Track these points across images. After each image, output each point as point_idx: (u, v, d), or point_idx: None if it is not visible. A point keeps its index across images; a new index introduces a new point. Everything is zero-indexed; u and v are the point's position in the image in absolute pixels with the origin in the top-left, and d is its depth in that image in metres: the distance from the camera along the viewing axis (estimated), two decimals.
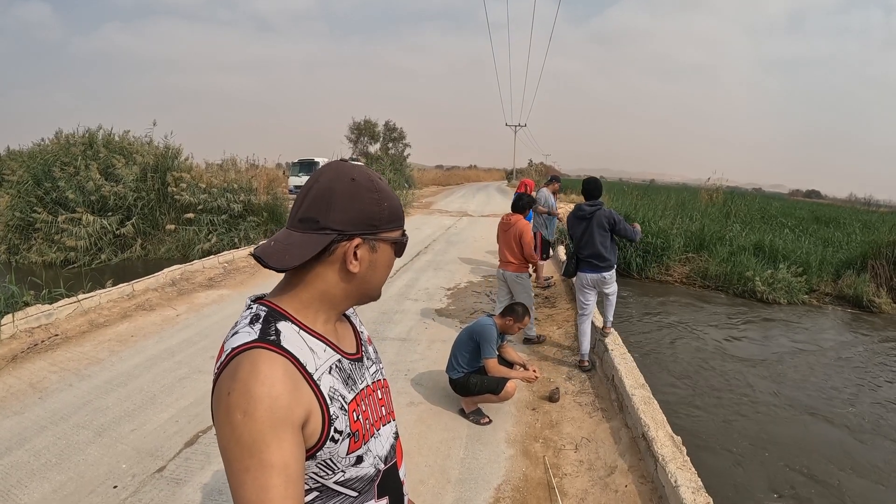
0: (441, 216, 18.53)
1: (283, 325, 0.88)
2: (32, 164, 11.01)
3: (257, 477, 0.76)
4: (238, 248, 10.43)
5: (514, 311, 3.78)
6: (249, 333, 0.85)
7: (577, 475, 3.20)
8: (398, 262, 9.30)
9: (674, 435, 3.26)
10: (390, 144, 40.69)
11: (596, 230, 4.58)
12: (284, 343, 0.85)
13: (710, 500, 2.68)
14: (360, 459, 0.93)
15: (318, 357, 0.89)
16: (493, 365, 3.63)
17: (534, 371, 3.78)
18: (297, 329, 0.89)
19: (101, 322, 5.36)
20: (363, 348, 1.05)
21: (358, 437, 0.91)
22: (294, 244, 0.88)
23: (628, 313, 7.98)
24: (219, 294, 6.83)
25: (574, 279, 4.92)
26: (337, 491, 0.92)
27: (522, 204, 5.26)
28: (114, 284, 6.35)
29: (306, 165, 22.78)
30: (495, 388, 3.58)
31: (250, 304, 0.93)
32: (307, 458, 0.86)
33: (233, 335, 0.87)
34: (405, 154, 40.20)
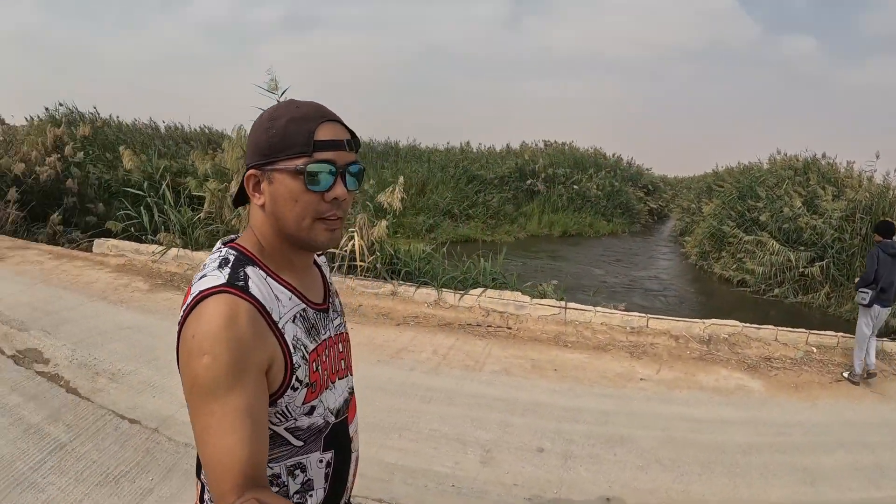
0: None
1: (251, 271, 0.88)
2: (741, 180, 10.83)
3: (223, 420, 0.76)
4: None
5: None
6: (218, 277, 0.85)
7: None
8: None
9: None
10: None
11: None
12: (252, 289, 0.85)
13: None
14: (312, 409, 0.93)
15: (282, 305, 0.89)
16: None
17: None
18: (265, 275, 0.90)
19: None
20: (330, 300, 1.05)
21: (315, 388, 0.92)
22: None
23: None
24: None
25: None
26: (285, 438, 0.91)
27: None
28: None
29: None
30: None
31: (220, 247, 0.93)
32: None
33: (200, 278, 0.86)
34: None
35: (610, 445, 3.18)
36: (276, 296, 0.89)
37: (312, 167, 0.85)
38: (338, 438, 1.00)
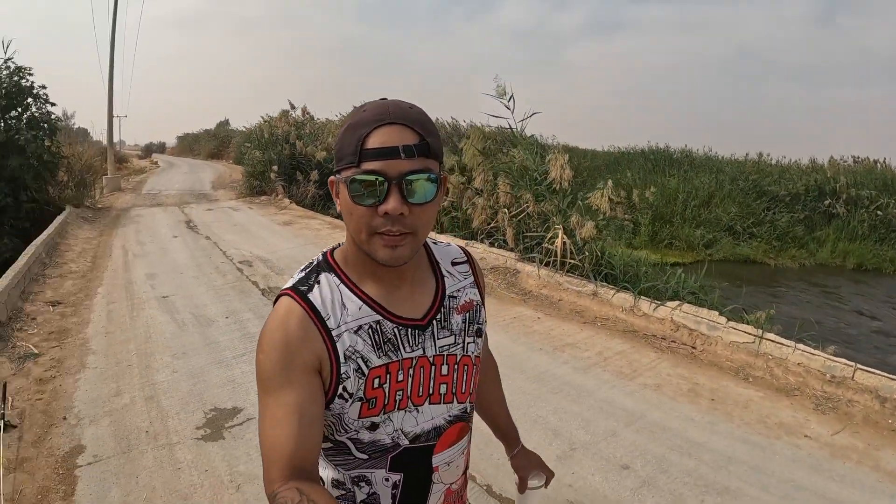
0: None
1: (324, 277, 0.90)
2: None
3: (275, 412, 0.81)
4: None
5: None
6: (293, 280, 0.92)
7: None
8: None
9: None
10: None
11: None
12: (312, 294, 0.88)
13: None
14: (374, 426, 0.90)
15: (348, 314, 0.88)
16: None
17: None
18: (339, 282, 0.90)
19: None
20: (439, 316, 0.96)
21: (374, 405, 0.88)
22: None
23: None
24: None
25: None
26: (347, 447, 0.91)
27: None
28: None
29: None
30: None
31: (319, 253, 0.98)
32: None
33: (290, 278, 0.94)
34: None
35: (704, 491, 2.76)
36: (343, 304, 0.88)
37: (357, 178, 0.80)
38: (412, 463, 0.94)
